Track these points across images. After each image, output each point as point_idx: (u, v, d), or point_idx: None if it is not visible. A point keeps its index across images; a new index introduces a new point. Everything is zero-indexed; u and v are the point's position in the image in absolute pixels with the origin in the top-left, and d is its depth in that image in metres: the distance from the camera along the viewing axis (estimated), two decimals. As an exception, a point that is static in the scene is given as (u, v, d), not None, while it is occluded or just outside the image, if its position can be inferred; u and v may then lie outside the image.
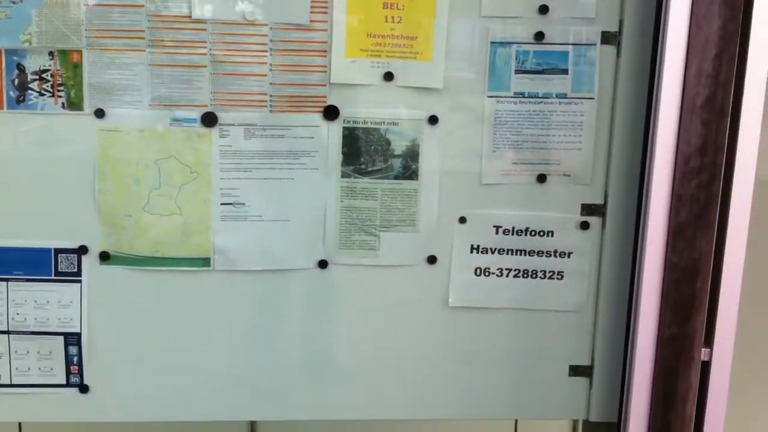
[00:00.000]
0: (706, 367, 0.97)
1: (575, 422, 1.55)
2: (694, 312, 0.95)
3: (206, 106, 1.01)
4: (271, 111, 1.01)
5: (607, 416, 1.10)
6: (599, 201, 1.06)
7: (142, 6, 0.97)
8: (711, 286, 0.95)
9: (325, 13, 0.99)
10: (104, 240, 1.04)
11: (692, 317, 0.95)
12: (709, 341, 0.97)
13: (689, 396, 0.96)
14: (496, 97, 1.03)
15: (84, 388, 1.08)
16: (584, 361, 1.10)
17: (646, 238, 0.95)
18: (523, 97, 1.03)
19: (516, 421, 1.71)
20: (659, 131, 0.92)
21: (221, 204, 1.04)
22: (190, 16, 0.98)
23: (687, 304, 0.95)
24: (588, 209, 1.06)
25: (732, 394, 0.98)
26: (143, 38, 0.98)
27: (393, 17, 1.00)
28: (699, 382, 0.97)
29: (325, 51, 1.00)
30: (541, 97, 1.03)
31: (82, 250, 1.05)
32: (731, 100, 0.90)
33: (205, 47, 0.99)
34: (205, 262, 1.06)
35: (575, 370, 1.10)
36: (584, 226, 1.07)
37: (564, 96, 1.03)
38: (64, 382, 1.08)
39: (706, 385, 0.97)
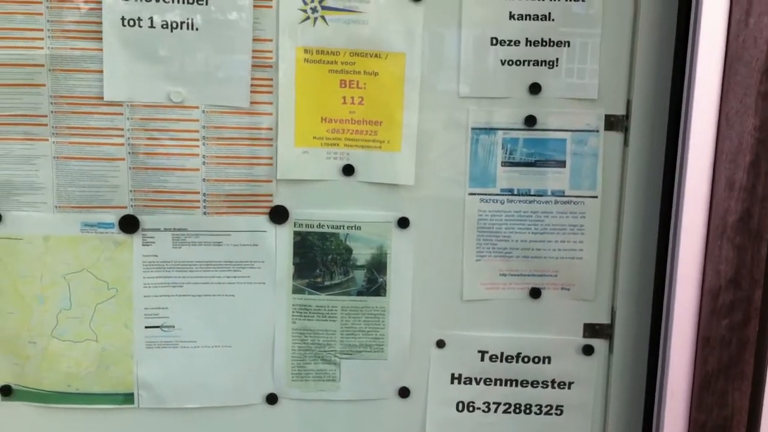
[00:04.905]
0: None
1: None
2: (728, 483, 0.88)
3: (125, 207, 0.92)
4: (205, 213, 0.92)
5: None
6: (605, 320, 0.98)
7: (43, 85, 0.88)
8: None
9: (270, 93, 0.91)
10: (5, 372, 0.95)
11: (725, 489, 0.88)
12: None
13: None
14: (480, 194, 0.94)
15: None
16: None
17: (665, 391, 0.86)
18: (512, 194, 0.95)
19: None
20: (680, 258, 0.82)
21: (146, 327, 0.95)
22: (103, 98, 0.89)
23: (719, 474, 0.88)
24: (592, 330, 0.98)
25: None
26: (46, 124, 0.89)
27: (353, 98, 0.91)
28: None
29: (270, 139, 0.92)
30: (534, 195, 0.94)
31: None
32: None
33: (121, 135, 0.90)
34: (128, 398, 0.96)
35: None
36: (587, 350, 0.98)
37: (561, 194, 0.94)
38: None
39: None
